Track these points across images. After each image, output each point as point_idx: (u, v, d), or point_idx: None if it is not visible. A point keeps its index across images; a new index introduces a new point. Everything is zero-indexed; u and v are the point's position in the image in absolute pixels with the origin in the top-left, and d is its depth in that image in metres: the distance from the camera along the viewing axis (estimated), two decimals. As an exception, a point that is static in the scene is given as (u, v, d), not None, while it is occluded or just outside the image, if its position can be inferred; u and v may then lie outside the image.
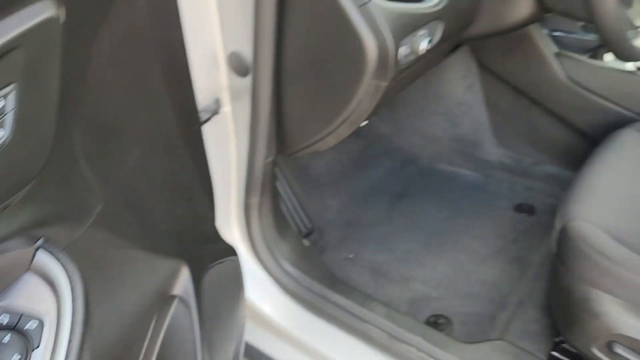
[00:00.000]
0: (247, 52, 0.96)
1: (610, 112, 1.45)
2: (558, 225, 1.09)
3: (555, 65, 1.48)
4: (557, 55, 1.49)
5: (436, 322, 1.30)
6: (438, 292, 1.38)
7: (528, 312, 1.29)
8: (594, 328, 1.00)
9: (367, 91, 0.89)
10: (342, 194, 1.69)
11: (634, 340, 0.96)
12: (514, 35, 1.48)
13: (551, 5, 1.23)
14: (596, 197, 1.12)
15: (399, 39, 0.85)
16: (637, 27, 1.09)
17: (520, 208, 1.64)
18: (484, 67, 1.62)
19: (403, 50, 0.87)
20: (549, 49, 1.50)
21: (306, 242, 1.47)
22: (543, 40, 1.51)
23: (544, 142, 1.63)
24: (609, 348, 1.00)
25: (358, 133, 1.14)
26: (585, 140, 1.50)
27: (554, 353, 1.14)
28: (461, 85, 1.69)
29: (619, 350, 0.98)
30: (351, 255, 1.49)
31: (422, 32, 0.91)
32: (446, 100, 1.73)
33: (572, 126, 1.53)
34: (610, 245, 1.00)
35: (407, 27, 0.88)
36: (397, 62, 0.87)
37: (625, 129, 1.33)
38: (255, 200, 1.17)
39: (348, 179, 1.74)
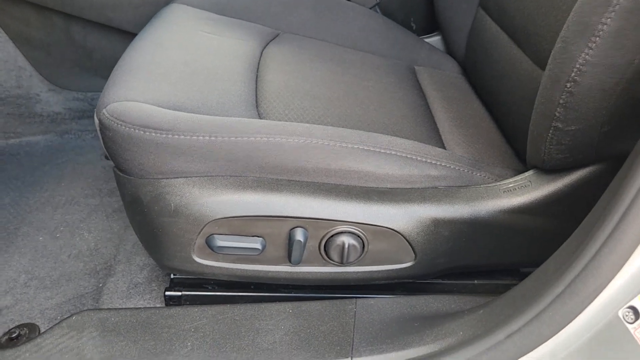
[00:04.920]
0: None
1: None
2: (97, 124, 0.75)
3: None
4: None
5: (12, 338, 0.85)
6: (13, 296, 0.92)
7: (135, 263, 0.94)
8: (180, 232, 0.70)
9: None
10: None
11: (227, 220, 0.69)
12: None
13: None
14: (138, 74, 0.81)
15: None
16: None
17: (113, 153, 1.28)
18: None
19: None
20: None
21: None
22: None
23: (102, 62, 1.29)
24: (210, 247, 0.71)
25: None
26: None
27: (169, 293, 0.81)
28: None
29: (220, 242, 0.70)
30: None
31: None
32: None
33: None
34: (159, 113, 0.70)
35: None
36: None
37: (169, 6, 1.07)
38: None
39: None
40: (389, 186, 0.73)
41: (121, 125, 0.68)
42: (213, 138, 0.67)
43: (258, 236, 0.71)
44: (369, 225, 0.70)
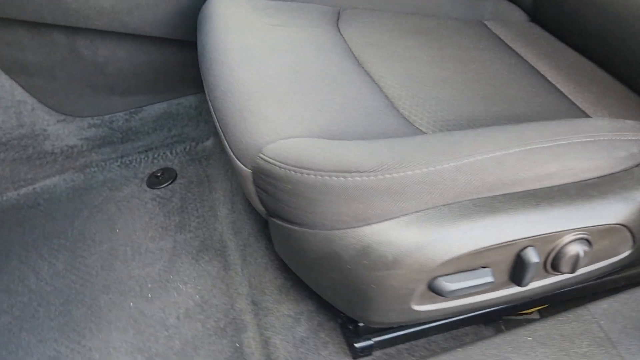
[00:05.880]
0: None
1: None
2: (246, 174, 0.60)
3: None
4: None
5: None
6: (140, 386, 0.77)
7: (281, 312, 0.81)
8: (400, 284, 0.59)
9: None
10: None
11: (455, 259, 0.58)
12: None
13: None
14: (260, 97, 0.66)
15: None
16: None
17: (154, 181, 1.10)
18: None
19: None
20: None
21: None
22: None
23: (119, 86, 1.08)
24: (435, 291, 0.60)
25: None
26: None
27: (360, 344, 0.70)
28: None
29: (449, 284, 0.60)
30: None
31: None
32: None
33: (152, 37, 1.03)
34: (348, 150, 0.57)
35: None
36: None
37: (209, 1, 0.90)
38: None
39: None
40: (597, 175, 0.65)
41: (308, 174, 0.55)
42: (432, 168, 0.56)
43: (484, 267, 0.61)
44: (596, 226, 0.62)
